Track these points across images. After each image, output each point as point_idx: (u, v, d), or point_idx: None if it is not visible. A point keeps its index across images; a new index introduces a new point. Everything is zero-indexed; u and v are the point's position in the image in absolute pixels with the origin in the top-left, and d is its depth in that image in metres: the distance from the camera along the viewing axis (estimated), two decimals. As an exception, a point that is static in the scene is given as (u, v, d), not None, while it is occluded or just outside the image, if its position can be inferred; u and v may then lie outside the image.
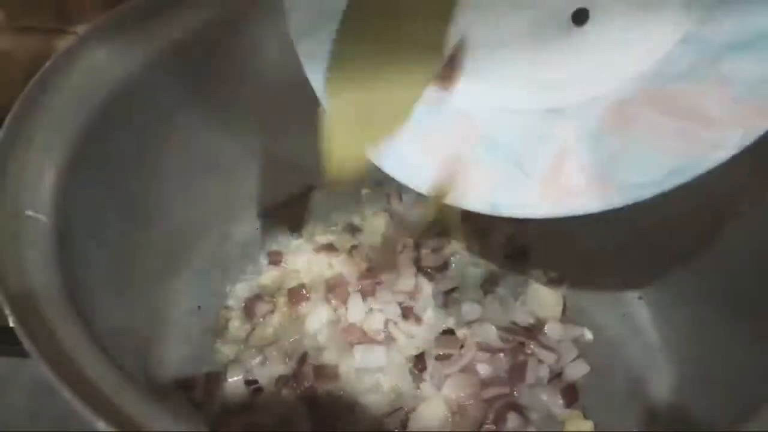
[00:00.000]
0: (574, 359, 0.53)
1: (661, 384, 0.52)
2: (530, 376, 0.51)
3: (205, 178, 0.56)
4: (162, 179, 0.51)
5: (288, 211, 0.63)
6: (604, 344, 0.55)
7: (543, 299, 0.57)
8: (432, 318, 0.56)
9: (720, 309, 0.49)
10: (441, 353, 0.52)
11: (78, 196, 0.40)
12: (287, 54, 0.55)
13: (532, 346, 0.53)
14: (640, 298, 0.58)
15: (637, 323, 0.56)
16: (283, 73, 0.56)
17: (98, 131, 0.42)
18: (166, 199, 0.52)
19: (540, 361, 0.53)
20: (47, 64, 0.40)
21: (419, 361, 0.52)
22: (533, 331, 0.55)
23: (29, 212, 0.35)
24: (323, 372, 0.51)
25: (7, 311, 0.32)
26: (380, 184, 0.66)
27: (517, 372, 0.52)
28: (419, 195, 0.46)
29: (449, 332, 0.54)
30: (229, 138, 0.55)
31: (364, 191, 0.65)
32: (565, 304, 0.57)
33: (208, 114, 0.52)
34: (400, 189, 0.66)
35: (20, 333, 0.31)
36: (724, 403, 0.44)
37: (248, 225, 0.62)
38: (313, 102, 0.59)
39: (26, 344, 0.31)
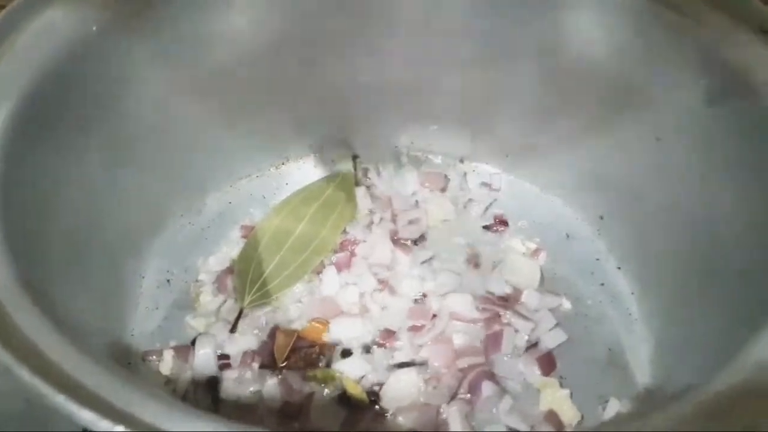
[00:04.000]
0: (551, 328, 0.52)
1: (639, 352, 0.52)
2: (506, 346, 0.51)
3: (174, 148, 0.54)
4: (126, 148, 0.49)
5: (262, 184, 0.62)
6: (583, 313, 0.54)
7: (520, 269, 0.56)
8: (408, 289, 0.55)
9: (698, 280, 0.49)
10: (413, 324, 0.51)
11: (26, 160, 0.38)
12: (257, 21, 0.54)
13: (508, 316, 0.52)
14: (618, 268, 0.57)
15: (615, 293, 0.56)
16: (252, 41, 0.55)
17: (49, 92, 0.40)
18: (132, 169, 0.51)
19: (516, 331, 0.52)
20: (-6, 21, 0.38)
21: (384, 336, 0.51)
22: (510, 300, 0.54)
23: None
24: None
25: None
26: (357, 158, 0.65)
27: (492, 341, 0.51)
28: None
29: (421, 302, 0.53)
30: (196, 106, 0.54)
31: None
32: (542, 274, 0.56)
33: (174, 79, 0.51)
34: (378, 163, 0.65)
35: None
36: (700, 370, 0.43)
37: (221, 198, 0.61)
38: (286, 74, 0.58)
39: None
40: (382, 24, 0.56)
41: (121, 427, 0.26)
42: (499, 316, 0.53)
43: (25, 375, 0.27)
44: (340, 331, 0.52)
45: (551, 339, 0.52)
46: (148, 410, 0.27)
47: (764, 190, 0.41)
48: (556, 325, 0.53)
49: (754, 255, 0.41)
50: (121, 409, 0.27)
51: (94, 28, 0.43)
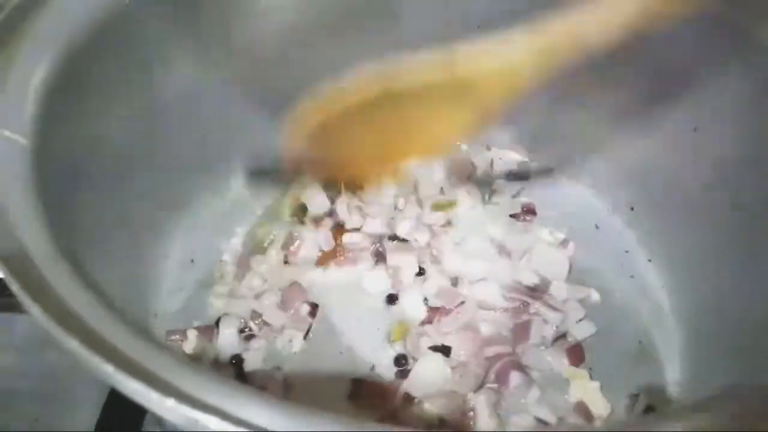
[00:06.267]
0: (580, 320, 0.51)
1: (670, 345, 0.51)
2: (534, 336, 0.50)
3: (201, 125, 0.53)
4: (155, 120, 0.48)
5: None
6: (612, 306, 0.53)
7: (548, 259, 0.55)
8: (435, 275, 0.54)
9: (732, 272, 0.47)
10: (441, 305, 0.51)
11: (61, 126, 0.37)
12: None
13: (536, 306, 0.51)
14: (649, 260, 0.56)
15: (645, 285, 0.55)
16: (282, 19, 0.54)
17: (82, 62, 0.39)
18: (159, 143, 0.50)
19: (544, 321, 0.51)
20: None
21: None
22: (538, 290, 0.53)
23: (6, 132, 0.32)
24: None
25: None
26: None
27: (520, 331, 0.50)
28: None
29: (452, 285, 0.53)
30: (224, 85, 0.53)
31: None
32: (571, 265, 0.55)
33: (203, 56, 0.50)
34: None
35: (14, 286, 0.29)
36: (733, 364, 0.42)
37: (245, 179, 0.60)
38: (316, 55, 0.57)
39: (20, 296, 0.29)
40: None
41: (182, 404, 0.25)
42: (527, 305, 0.52)
43: (74, 345, 0.26)
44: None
45: (580, 331, 0.51)
46: (205, 389, 0.26)
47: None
48: (585, 316, 0.52)
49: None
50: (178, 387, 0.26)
51: (127, 1, 0.42)
